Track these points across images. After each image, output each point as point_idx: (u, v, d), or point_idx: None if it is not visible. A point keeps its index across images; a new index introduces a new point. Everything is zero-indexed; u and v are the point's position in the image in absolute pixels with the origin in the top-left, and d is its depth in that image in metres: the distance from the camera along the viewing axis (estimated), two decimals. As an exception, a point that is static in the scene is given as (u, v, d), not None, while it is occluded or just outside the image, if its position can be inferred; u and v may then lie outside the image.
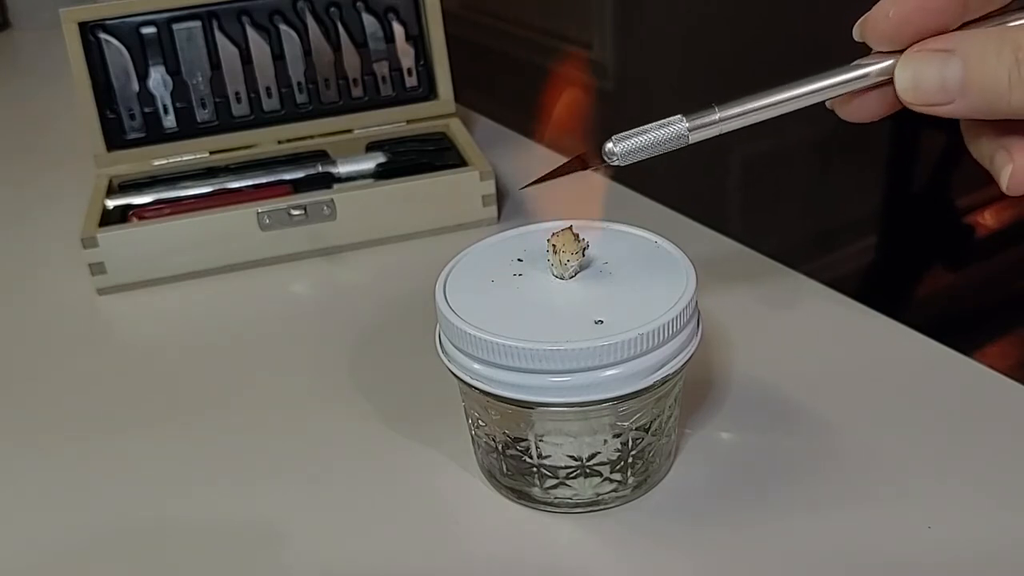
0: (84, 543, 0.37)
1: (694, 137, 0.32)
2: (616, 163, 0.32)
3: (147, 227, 0.55)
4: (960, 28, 0.29)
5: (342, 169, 0.61)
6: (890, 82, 0.30)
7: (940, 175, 1.30)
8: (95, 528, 0.37)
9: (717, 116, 0.31)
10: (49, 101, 0.89)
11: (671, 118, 0.32)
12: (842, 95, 0.31)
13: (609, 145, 0.32)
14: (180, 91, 0.62)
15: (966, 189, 1.30)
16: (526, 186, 0.35)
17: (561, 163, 0.34)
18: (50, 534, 0.37)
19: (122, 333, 0.53)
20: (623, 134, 0.32)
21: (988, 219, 1.31)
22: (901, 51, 0.30)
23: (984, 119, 0.29)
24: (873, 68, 0.30)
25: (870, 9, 0.30)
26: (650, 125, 0.32)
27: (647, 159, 0.33)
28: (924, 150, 1.27)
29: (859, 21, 0.30)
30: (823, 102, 0.32)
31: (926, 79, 0.28)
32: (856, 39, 0.31)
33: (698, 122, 0.32)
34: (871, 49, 0.31)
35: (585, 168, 0.33)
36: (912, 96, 0.29)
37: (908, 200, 1.34)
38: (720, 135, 0.32)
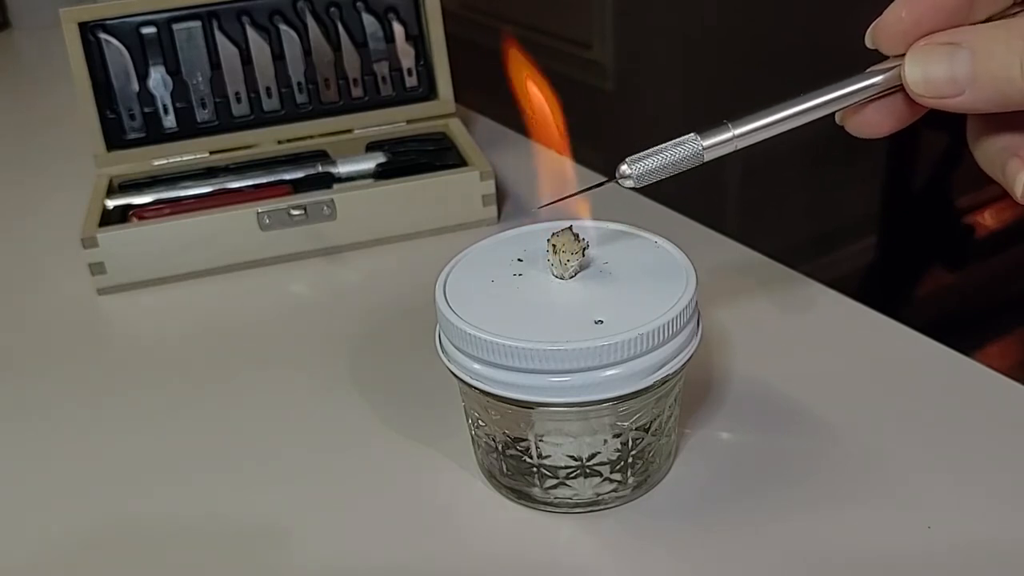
0: (83, 542, 0.37)
1: (709, 155, 0.31)
2: (631, 186, 0.31)
3: (147, 227, 0.55)
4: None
5: (342, 169, 0.61)
6: (902, 88, 0.29)
7: (940, 175, 1.30)
8: (94, 528, 0.37)
9: (732, 133, 0.31)
10: (49, 101, 0.89)
11: (684, 137, 0.31)
12: (855, 104, 0.31)
13: (624, 167, 0.31)
14: (180, 91, 0.62)
15: (966, 189, 1.30)
16: (544, 205, 0.34)
17: (585, 187, 0.34)
18: (49, 533, 0.37)
19: (122, 333, 0.53)
20: (637, 156, 0.31)
21: (988, 219, 1.31)
22: None
23: (997, 111, 0.28)
24: (886, 75, 0.30)
25: (879, 14, 0.29)
26: (664, 145, 0.31)
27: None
28: (924, 150, 1.27)
29: (871, 27, 0.30)
30: (832, 115, 0.31)
31: (935, 71, 0.28)
32: (868, 46, 0.30)
33: (713, 140, 0.31)
34: (880, 57, 0.30)
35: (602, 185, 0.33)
36: (923, 88, 0.28)
37: (908, 200, 1.34)
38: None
